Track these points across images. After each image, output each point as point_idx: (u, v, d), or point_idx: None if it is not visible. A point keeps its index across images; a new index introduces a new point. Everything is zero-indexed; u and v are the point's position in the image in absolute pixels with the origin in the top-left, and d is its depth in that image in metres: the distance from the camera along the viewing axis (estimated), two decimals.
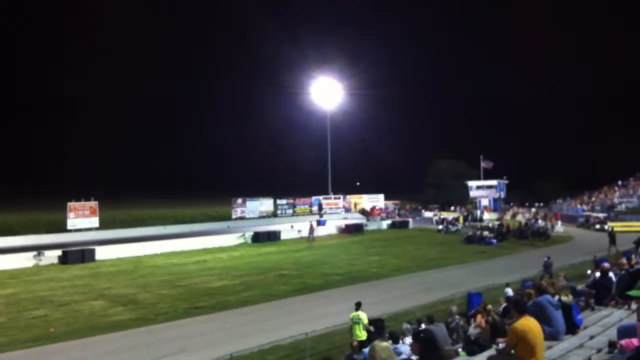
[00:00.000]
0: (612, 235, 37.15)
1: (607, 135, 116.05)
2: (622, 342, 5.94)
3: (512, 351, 7.51)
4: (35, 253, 34.60)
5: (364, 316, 16.30)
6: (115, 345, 18.18)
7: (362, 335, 15.73)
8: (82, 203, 48.68)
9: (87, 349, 17.77)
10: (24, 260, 33.67)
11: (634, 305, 10.80)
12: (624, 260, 16.38)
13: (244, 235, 45.56)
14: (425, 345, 6.65)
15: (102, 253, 36.59)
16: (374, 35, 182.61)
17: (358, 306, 16.75)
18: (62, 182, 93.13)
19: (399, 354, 11.15)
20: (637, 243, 35.03)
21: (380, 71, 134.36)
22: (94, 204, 49.23)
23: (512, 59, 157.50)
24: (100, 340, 18.90)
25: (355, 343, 12.95)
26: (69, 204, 47.66)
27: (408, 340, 12.46)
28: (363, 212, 70.91)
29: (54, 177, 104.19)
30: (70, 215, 47.47)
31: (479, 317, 14.23)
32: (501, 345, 8.14)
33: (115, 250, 37.70)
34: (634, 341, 5.70)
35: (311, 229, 47.00)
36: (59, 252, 35.39)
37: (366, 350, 12.48)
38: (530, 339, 7.30)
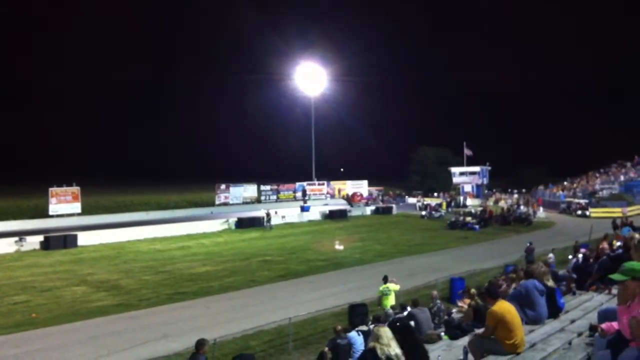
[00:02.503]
0: (616, 224, 37.40)
1: (589, 122, 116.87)
2: (603, 325, 5.99)
3: (492, 336, 7.56)
4: (17, 239, 34.38)
5: (394, 286, 17.98)
6: (97, 331, 18.11)
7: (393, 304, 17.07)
8: (64, 189, 48.30)
9: (70, 335, 17.69)
10: (6, 246, 33.43)
11: (614, 290, 10.91)
12: (605, 245, 16.52)
13: (227, 221, 45.47)
14: (403, 335, 6.69)
15: (85, 239, 36.37)
16: (358, 21, 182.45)
17: (385, 279, 18.17)
18: (45, 168, 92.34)
19: None
20: (614, 226, 35.58)
21: (364, 58, 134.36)
22: (76, 189, 48.87)
23: (497, 46, 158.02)
24: (83, 326, 18.83)
25: (339, 327, 12.97)
26: (51, 189, 47.29)
27: None
28: (347, 198, 70.98)
29: (36, 164, 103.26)
30: (53, 201, 47.12)
31: (463, 300, 14.35)
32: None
33: (98, 236, 37.48)
34: (615, 325, 5.74)
35: (268, 217, 46.59)
36: (41, 238, 35.16)
37: (349, 334, 12.53)
38: (508, 321, 7.37)
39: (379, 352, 6.28)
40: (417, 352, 7.26)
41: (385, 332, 6.62)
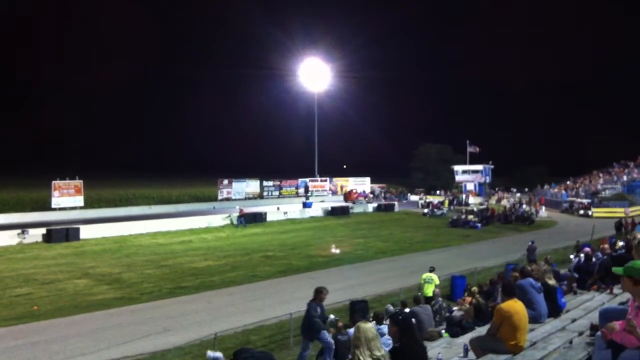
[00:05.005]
0: (620, 224, 37.33)
1: (591, 122, 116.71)
2: (605, 330, 5.96)
3: (497, 334, 7.54)
4: (19, 231, 34.33)
5: (435, 277, 19.24)
6: (99, 324, 18.14)
7: (431, 293, 18.01)
8: (67, 182, 48.27)
9: (71, 328, 17.73)
10: (8, 238, 33.39)
11: (615, 289, 10.92)
12: (607, 245, 16.53)
13: (229, 216, 45.40)
14: (404, 330, 6.65)
15: (87, 232, 36.33)
16: (362, 17, 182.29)
17: (432, 270, 19.60)
18: (47, 161, 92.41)
19: (382, 334, 11.22)
20: (618, 226, 35.51)
21: (368, 54, 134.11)
22: (78, 182, 48.86)
23: (501, 43, 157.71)
24: (84, 318, 18.88)
25: (340, 323, 13.00)
26: (53, 182, 47.25)
27: None
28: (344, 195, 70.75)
29: (39, 157, 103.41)
30: (55, 193, 47.08)
31: (465, 298, 14.36)
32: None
33: (100, 230, 37.41)
34: (618, 324, 5.72)
35: (241, 213, 45.73)
36: (43, 231, 35.10)
37: (351, 330, 12.55)
38: (515, 321, 7.32)
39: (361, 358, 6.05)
40: (415, 350, 7.25)
41: (368, 327, 6.38)
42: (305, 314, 12.41)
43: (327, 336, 12.24)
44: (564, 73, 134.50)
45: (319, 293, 12.16)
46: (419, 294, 17.91)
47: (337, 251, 33.06)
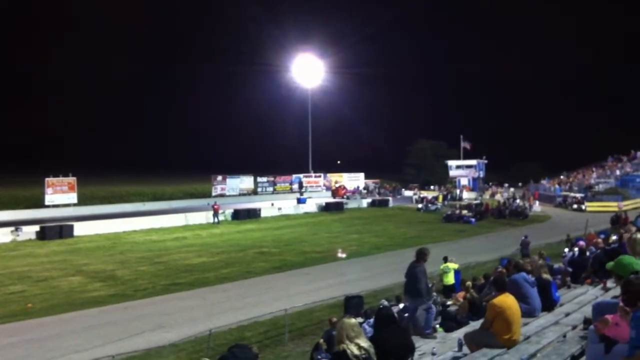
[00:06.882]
0: (615, 218, 37.30)
1: (587, 118, 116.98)
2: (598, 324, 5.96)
3: (490, 329, 7.55)
4: (12, 228, 34.27)
5: (452, 264, 20.21)
6: (93, 321, 18.15)
7: (452, 281, 19.28)
8: (61, 179, 48.09)
9: (65, 325, 17.72)
10: (2, 236, 33.33)
11: (609, 283, 10.94)
12: (600, 240, 16.56)
13: (224, 212, 45.29)
14: (385, 323, 6.68)
15: (81, 229, 36.30)
16: (356, 13, 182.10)
17: (446, 259, 20.42)
18: (40, 158, 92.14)
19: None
20: (614, 221, 35.52)
21: (362, 50, 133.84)
22: (72, 179, 48.68)
23: (495, 38, 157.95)
24: (79, 316, 18.87)
25: (334, 319, 12.99)
26: (47, 179, 47.07)
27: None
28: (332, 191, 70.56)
29: (32, 154, 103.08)
30: (49, 191, 46.92)
31: (459, 293, 14.39)
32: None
33: (94, 227, 37.40)
34: (612, 317, 5.72)
35: (215, 210, 44.70)
36: (36, 228, 35.08)
37: None
38: (508, 315, 7.33)
39: (348, 352, 6.10)
40: (398, 342, 7.24)
41: (352, 324, 6.39)
42: (411, 276, 11.65)
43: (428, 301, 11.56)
44: (558, 70, 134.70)
45: (424, 255, 11.61)
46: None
47: (344, 255, 32.44)
